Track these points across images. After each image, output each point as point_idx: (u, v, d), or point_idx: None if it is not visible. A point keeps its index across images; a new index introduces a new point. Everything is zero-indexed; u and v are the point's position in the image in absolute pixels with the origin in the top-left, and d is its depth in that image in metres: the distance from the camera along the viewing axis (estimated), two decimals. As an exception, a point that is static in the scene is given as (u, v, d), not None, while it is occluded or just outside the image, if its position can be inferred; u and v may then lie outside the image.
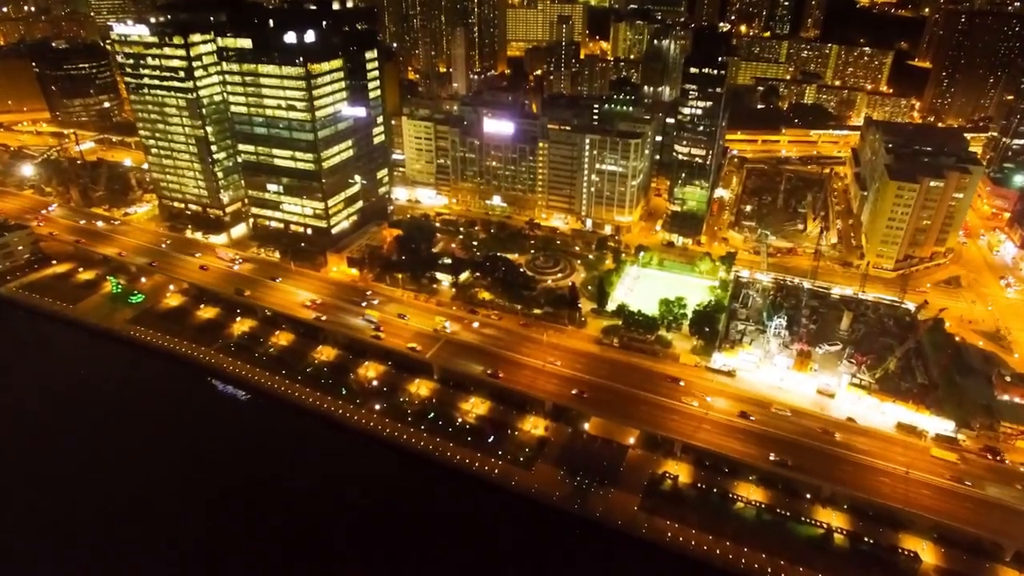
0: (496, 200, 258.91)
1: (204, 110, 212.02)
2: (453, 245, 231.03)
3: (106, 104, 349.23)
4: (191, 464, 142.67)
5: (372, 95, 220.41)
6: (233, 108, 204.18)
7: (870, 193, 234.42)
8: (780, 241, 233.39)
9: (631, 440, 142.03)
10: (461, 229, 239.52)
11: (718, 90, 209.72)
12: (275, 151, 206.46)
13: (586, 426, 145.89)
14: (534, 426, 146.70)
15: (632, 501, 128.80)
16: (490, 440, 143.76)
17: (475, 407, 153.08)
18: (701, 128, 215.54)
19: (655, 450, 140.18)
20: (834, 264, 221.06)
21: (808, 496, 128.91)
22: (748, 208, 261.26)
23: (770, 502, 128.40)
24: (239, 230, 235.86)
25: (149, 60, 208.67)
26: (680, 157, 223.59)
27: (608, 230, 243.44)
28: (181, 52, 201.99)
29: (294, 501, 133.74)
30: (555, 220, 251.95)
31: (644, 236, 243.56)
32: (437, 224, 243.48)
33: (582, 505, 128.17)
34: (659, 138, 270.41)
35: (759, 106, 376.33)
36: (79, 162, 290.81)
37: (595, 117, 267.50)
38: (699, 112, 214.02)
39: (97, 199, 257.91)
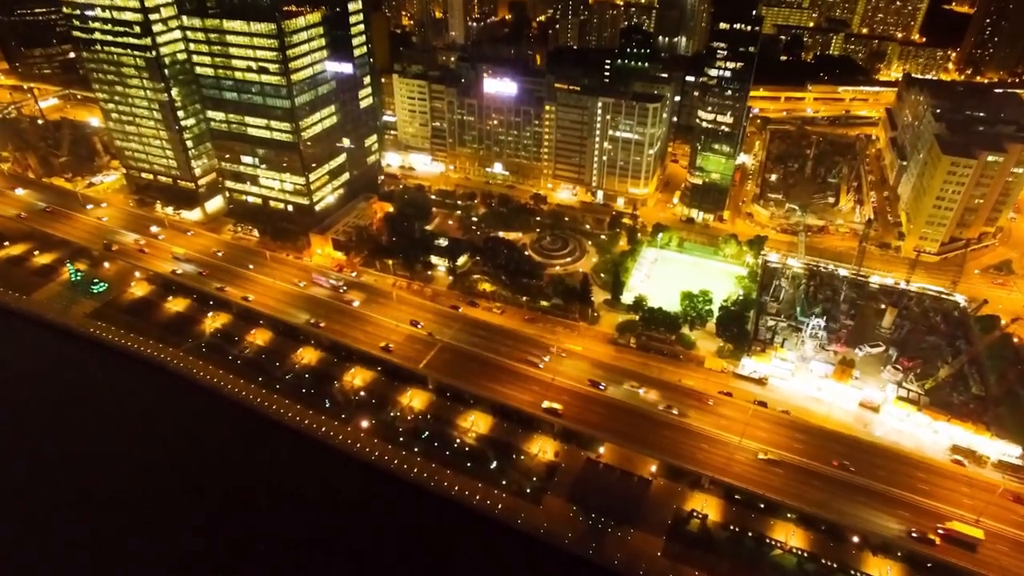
0: (498, 168, 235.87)
1: (167, 71, 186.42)
2: (450, 222, 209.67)
3: (71, 55, 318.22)
4: (150, 487, 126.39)
5: (357, 52, 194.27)
6: (198, 70, 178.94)
7: (911, 164, 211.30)
8: (810, 217, 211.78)
9: (652, 468, 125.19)
10: (459, 203, 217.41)
11: (750, 49, 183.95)
12: (248, 119, 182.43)
13: (601, 450, 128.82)
14: (542, 450, 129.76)
15: (654, 544, 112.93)
16: (493, 466, 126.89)
17: (475, 425, 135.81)
18: (729, 92, 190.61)
19: (679, 480, 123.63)
20: (870, 245, 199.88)
21: (856, 541, 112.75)
22: (773, 178, 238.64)
23: (812, 548, 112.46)
24: (215, 204, 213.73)
25: (99, 12, 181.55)
26: (704, 124, 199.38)
27: (621, 203, 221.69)
28: (135, 3, 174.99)
29: (267, 531, 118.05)
30: (562, 191, 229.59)
31: (660, 211, 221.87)
32: (432, 196, 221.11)
33: (598, 549, 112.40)
34: (677, 97, 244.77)
35: (782, 58, 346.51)
36: (40, 122, 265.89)
37: (607, 75, 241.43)
38: (727, 74, 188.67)
39: (59, 166, 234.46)
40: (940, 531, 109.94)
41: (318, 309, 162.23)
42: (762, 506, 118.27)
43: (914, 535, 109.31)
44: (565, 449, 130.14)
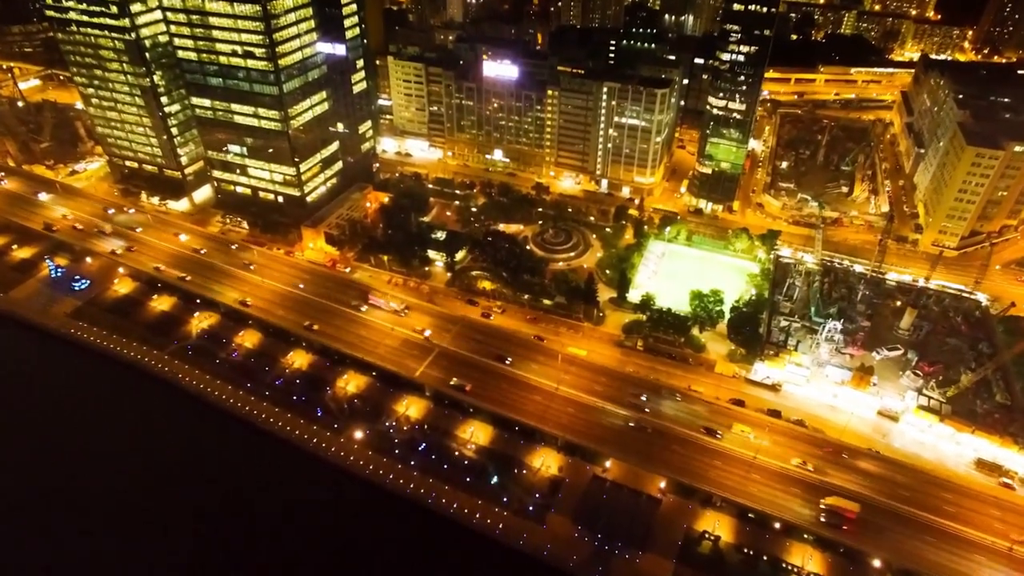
0: (498, 155, 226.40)
1: (148, 54, 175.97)
2: (448, 213, 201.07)
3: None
4: (130, 500, 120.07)
5: (350, 33, 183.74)
6: (181, 54, 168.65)
7: (930, 153, 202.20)
8: (823, 208, 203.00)
9: (662, 484, 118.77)
10: (457, 192, 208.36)
11: (766, 32, 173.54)
12: (234, 106, 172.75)
13: (607, 464, 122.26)
14: (545, 464, 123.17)
15: (664, 568, 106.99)
16: (493, 482, 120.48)
17: (474, 436, 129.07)
18: (742, 77, 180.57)
19: (689, 497, 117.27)
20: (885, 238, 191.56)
21: (877, 566, 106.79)
22: (784, 165, 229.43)
23: (831, 574, 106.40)
24: (203, 193, 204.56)
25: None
26: (715, 111, 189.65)
27: (626, 192, 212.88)
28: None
29: (254, 549, 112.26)
30: (565, 180, 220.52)
31: (667, 200, 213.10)
32: (430, 185, 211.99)
33: (604, 574, 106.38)
34: (684, 80, 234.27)
35: (792, 37, 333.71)
36: (20, 104, 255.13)
37: (611, 57, 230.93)
38: (740, 59, 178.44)
39: (41, 153, 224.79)
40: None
41: (310, 311, 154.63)
42: (777, 526, 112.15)
43: None
44: (569, 463, 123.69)
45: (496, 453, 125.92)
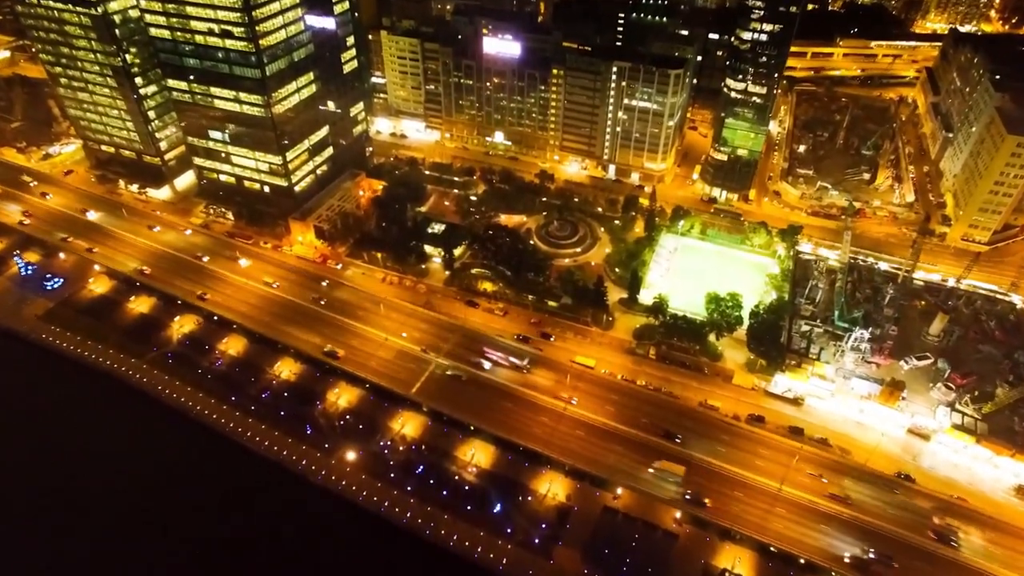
0: (498, 137, 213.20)
1: (118, 31, 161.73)
2: (446, 203, 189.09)
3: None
4: (105, 521, 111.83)
5: (339, 8, 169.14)
6: (153, 32, 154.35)
7: (959, 138, 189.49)
8: (841, 197, 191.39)
9: (677, 514, 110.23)
10: (456, 179, 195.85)
11: (792, 9, 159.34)
12: (214, 90, 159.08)
13: (619, 491, 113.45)
14: (551, 491, 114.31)
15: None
16: (496, 510, 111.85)
17: (475, 457, 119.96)
18: (764, 59, 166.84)
19: (707, 528, 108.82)
20: (910, 231, 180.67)
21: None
22: (801, 149, 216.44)
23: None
24: (185, 180, 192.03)
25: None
26: (733, 94, 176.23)
27: (635, 179, 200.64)
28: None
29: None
30: (570, 165, 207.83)
31: (678, 187, 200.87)
32: (427, 171, 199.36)
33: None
34: (698, 57, 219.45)
35: (808, 7, 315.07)
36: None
37: (620, 32, 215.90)
38: (763, 38, 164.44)
39: (11, 134, 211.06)
40: None
41: (297, 316, 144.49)
42: (802, 561, 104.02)
43: None
44: (578, 488, 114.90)
45: (499, 477, 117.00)
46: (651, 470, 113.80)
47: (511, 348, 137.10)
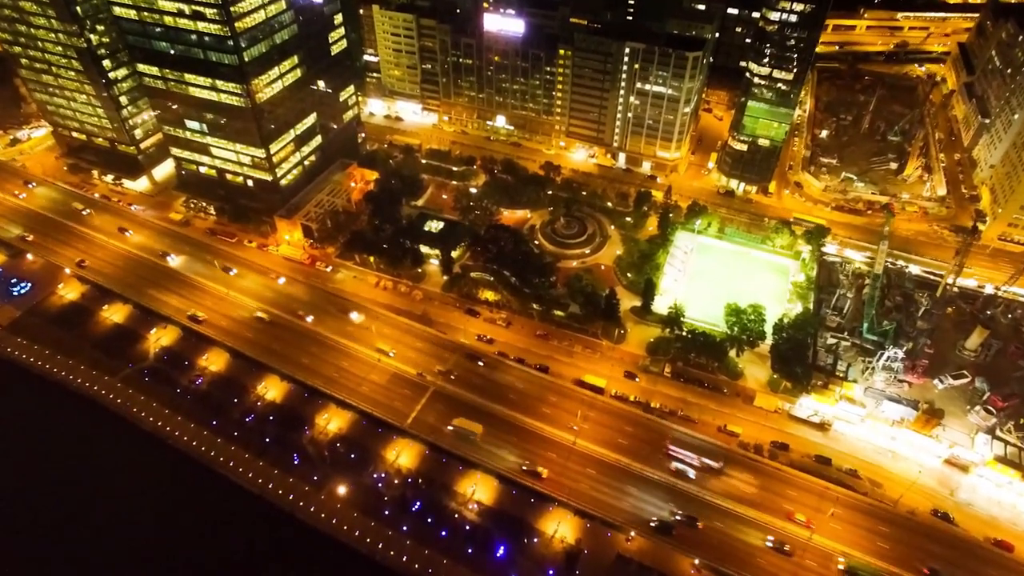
0: (500, 121, 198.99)
1: (79, 9, 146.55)
2: (444, 196, 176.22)
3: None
4: (77, 556, 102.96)
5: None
6: (117, 11, 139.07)
7: (998, 124, 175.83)
8: (868, 190, 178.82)
9: (696, 560, 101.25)
10: (455, 169, 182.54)
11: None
12: (188, 76, 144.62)
13: (632, 533, 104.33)
14: (559, 533, 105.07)
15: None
16: (499, 554, 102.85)
17: (476, 492, 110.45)
18: (792, 42, 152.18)
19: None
20: (941, 229, 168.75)
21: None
22: (824, 134, 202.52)
23: None
24: (164, 170, 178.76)
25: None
26: (756, 79, 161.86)
27: (647, 168, 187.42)
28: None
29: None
30: (577, 152, 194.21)
31: (693, 177, 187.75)
32: (423, 160, 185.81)
33: None
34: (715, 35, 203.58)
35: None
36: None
37: (631, 6, 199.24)
38: (793, 18, 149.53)
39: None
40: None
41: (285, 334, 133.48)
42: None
43: None
44: (588, 529, 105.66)
45: (502, 515, 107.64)
46: (449, 428, 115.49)
47: (704, 447, 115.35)
